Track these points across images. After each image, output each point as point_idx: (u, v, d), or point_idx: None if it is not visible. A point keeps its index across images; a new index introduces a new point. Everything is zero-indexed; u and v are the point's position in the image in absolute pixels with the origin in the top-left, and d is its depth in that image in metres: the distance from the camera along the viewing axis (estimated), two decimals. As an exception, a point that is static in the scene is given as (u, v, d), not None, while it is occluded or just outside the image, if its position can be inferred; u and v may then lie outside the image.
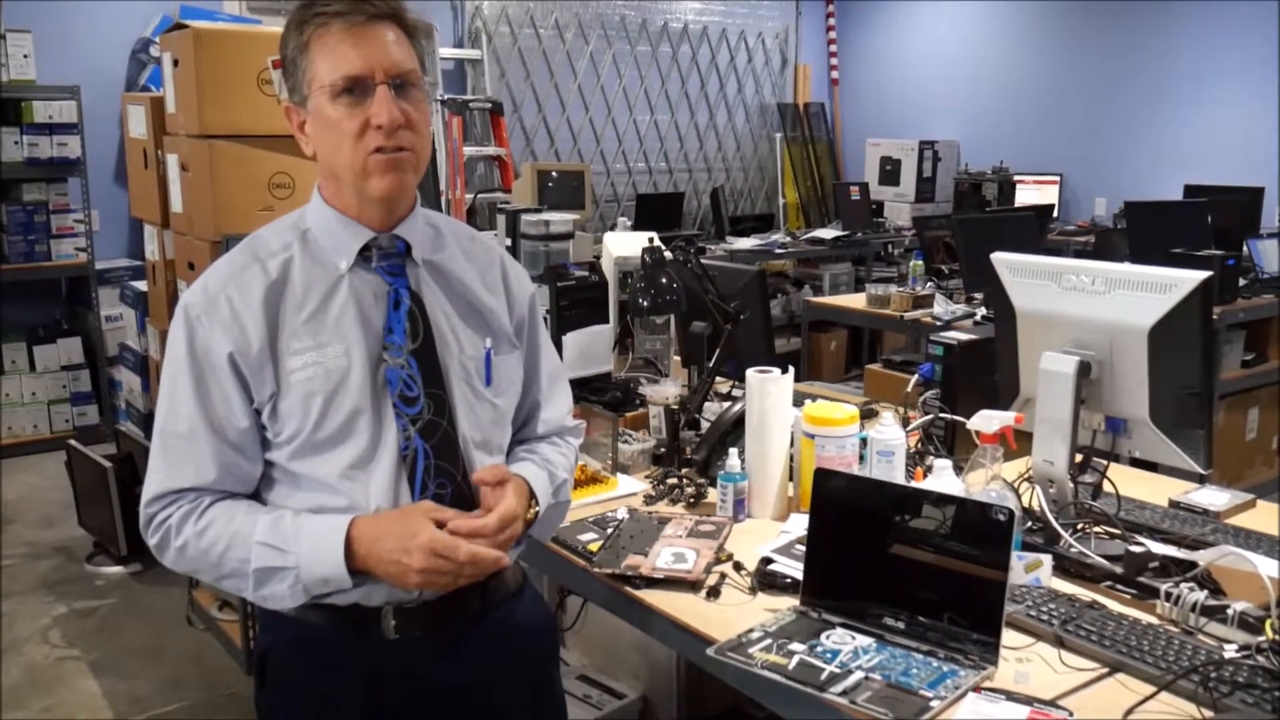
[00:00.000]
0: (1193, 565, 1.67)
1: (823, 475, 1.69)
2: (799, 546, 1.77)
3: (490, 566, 1.39)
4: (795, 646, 1.50)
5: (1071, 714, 1.35)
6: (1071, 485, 1.87)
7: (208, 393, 1.37)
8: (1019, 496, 1.84)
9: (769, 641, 1.52)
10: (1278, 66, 6.38)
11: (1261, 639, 1.46)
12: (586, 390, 2.41)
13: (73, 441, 4.28)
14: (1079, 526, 1.85)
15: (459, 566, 1.34)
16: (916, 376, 2.41)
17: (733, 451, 2.01)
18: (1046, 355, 1.87)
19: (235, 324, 1.36)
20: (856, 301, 4.97)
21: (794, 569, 1.71)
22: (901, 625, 1.54)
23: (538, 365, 1.63)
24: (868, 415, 2.43)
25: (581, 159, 7.71)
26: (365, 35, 1.34)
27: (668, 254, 2.43)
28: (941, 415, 2.28)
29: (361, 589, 1.40)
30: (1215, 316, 4.12)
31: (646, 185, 8.21)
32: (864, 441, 2.03)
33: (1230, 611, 1.52)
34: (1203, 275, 1.74)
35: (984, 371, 2.16)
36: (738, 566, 1.79)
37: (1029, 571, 1.69)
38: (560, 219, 2.78)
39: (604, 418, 2.32)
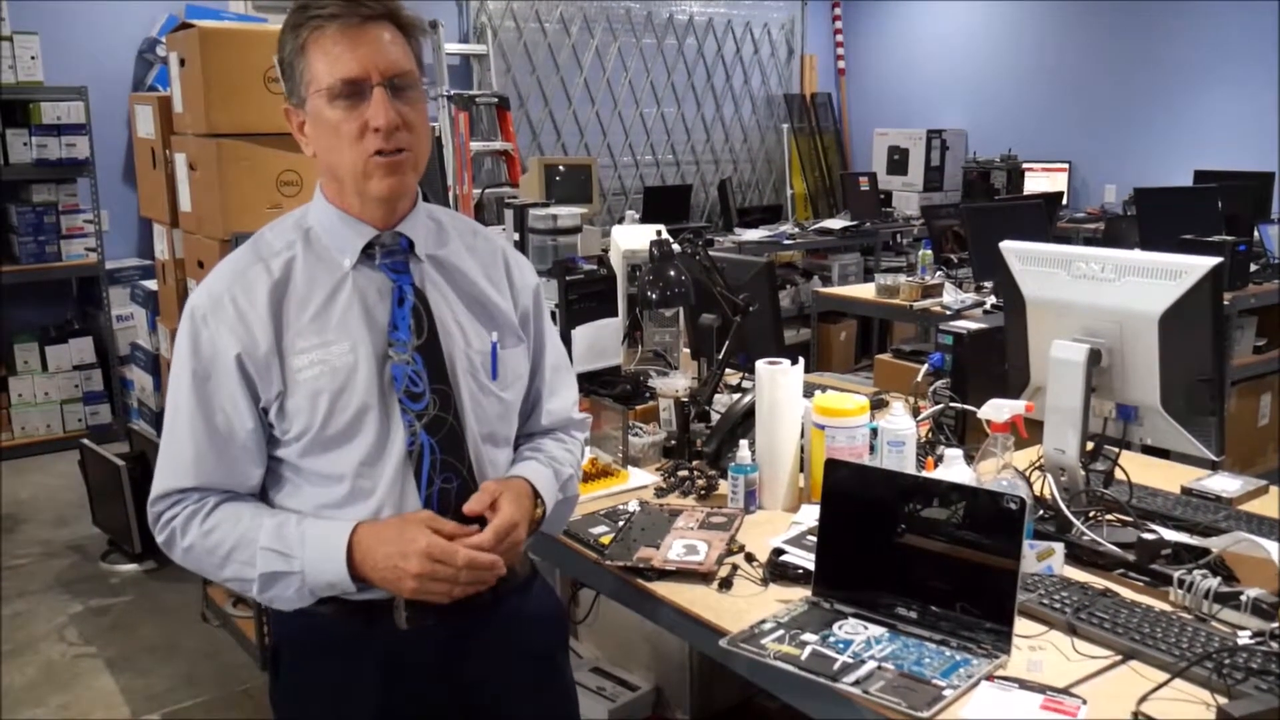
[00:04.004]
0: (1205, 552, 1.67)
1: (833, 466, 1.69)
2: (810, 537, 1.77)
3: (488, 571, 1.39)
4: (807, 637, 1.50)
5: (1085, 702, 1.35)
6: (1083, 473, 1.87)
7: (213, 394, 1.38)
8: (1030, 485, 1.84)
9: (781, 632, 1.52)
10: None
11: (1275, 625, 1.45)
12: (596, 384, 2.41)
13: (86, 440, 4.30)
14: (1091, 514, 1.85)
15: (456, 572, 1.35)
16: (926, 366, 2.40)
17: (743, 443, 2.01)
18: (1057, 343, 1.86)
19: (241, 324, 1.37)
20: (866, 292, 4.96)
21: (805, 560, 1.71)
22: (914, 615, 1.54)
23: (541, 356, 1.62)
24: (878, 405, 2.43)
25: (588, 153, 7.70)
26: (361, 37, 1.34)
27: (676, 246, 2.43)
28: (952, 405, 2.27)
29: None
30: (1226, 302, 4.12)
31: (654, 178, 8.20)
32: (874, 432, 2.03)
33: (1243, 598, 1.52)
34: (1213, 261, 1.73)
35: (994, 360, 2.16)
36: (749, 558, 1.79)
37: (1041, 560, 1.68)
38: (568, 213, 2.77)
39: (614, 411, 2.32)
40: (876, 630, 1.52)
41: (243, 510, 1.40)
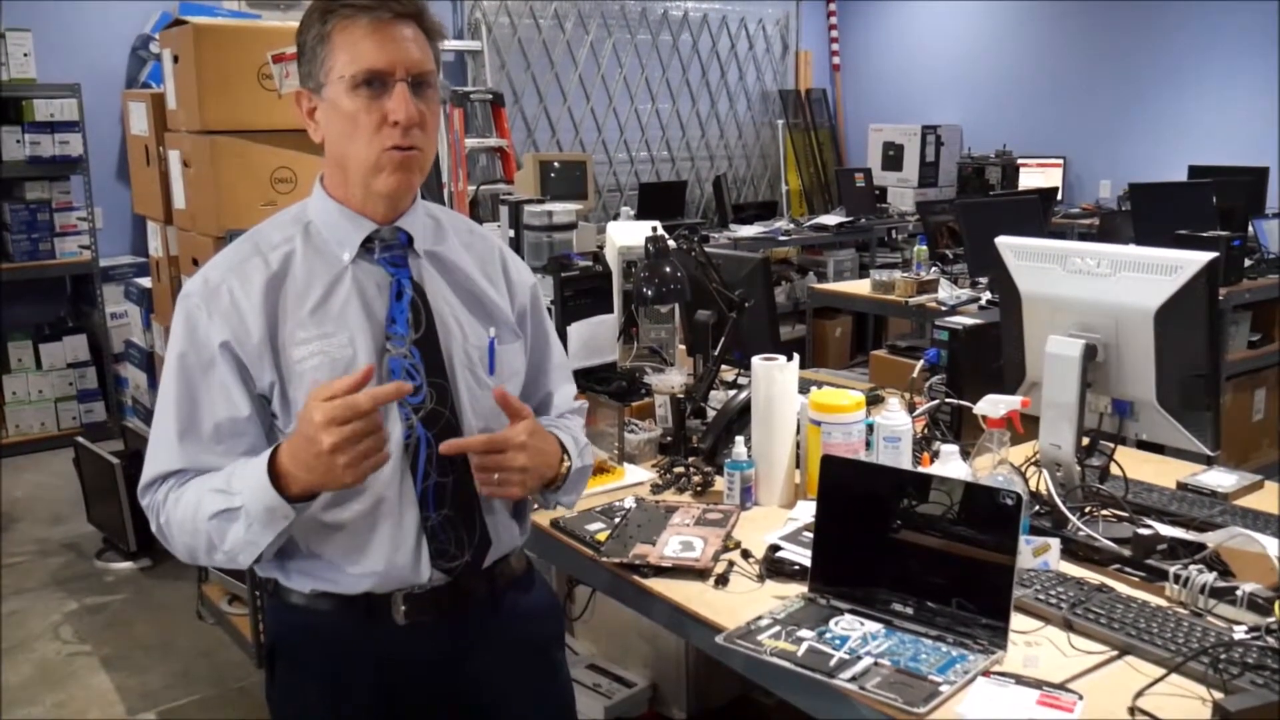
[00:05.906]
0: (1201, 547, 1.67)
1: (829, 462, 1.69)
2: (806, 533, 1.77)
3: (396, 394, 1.28)
4: (804, 633, 1.50)
5: (1081, 697, 1.35)
6: (1079, 468, 1.87)
7: (201, 379, 1.37)
8: (1026, 480, 1.84)
9: (777, 629, 1.52)
10: (1281, 45, 6.35)
11: (1271, 620, 1.46)
12: (592, 380, 2.40)
13: (80, 438, 4.29)
14: (1087, 510, 1.85)
15: (368, 422, 1.23)
16: (922, 362, 2.40)
17: (739, 439, 2.01)
18: (1052, 339, 1.86)
19: (235, 313, 1.37)
20: (861, 288, 4.97)
21: (802, 556, 1.71)
22: (910, 610, 1.54)
23: (547, 356, 1.64)
24: (874, 401, 2.43)
25: (583, 149, 7.69)
26: (389, 32, 1.35)
27: (671, 243, 2.42)
28: (947, 400, 2.27)
29: (373, 577, 1.40)
30: (1221, 297, 4.12)
31: (649, 174, 8.19)
32: (870, 428, 2.03)
33: (1239, 593, 1.52)
34: (1208, 256, 1.73)
35: (990, 356, 2.16)
36: (745, 554, 1.79)
37: (1037, 555, 1.69)
38: (563, 209, 2.77)
39: (610, 407, 2.32)
40: (873, 626, 1.52)
41: (214, 474, 1.36)
